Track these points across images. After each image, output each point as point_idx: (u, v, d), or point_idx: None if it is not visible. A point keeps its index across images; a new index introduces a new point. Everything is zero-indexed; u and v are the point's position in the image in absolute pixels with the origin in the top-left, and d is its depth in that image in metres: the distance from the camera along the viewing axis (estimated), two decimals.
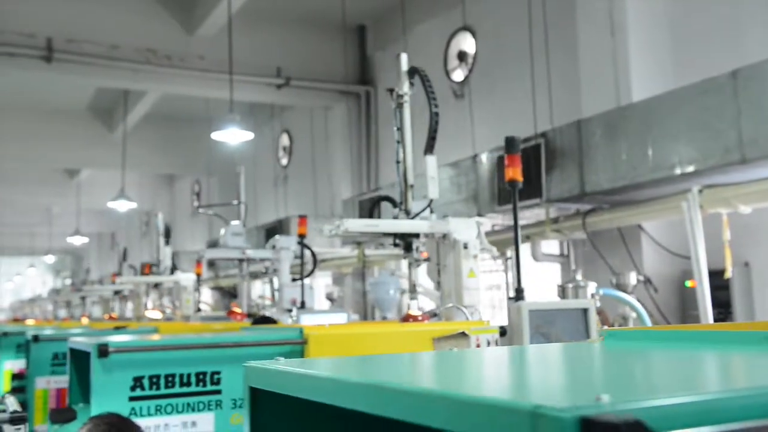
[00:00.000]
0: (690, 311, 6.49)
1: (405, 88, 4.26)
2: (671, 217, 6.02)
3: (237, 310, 6.28)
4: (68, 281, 39.91)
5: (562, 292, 4.66)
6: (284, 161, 15.82)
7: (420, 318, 3.79)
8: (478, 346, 3.67)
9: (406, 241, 4.08)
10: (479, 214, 7.40)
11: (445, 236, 4.16)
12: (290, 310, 6.45)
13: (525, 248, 7.43)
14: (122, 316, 12.03)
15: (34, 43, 10.25)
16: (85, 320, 12.97)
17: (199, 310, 8.65)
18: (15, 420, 2.16)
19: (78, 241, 21.15)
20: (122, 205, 14.64)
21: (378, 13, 12.23)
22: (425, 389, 0.84)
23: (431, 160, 4.22)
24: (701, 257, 5.34)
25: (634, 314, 5.91)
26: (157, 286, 9.00)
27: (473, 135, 9.65)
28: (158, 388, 3.01)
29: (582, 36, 7.57)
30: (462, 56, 10.51)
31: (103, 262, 32.42)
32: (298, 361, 1.36)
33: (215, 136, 9.48)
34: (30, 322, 19.43)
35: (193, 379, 3.08)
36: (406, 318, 3.80)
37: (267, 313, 6.83)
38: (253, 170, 16.96)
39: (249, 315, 6.28)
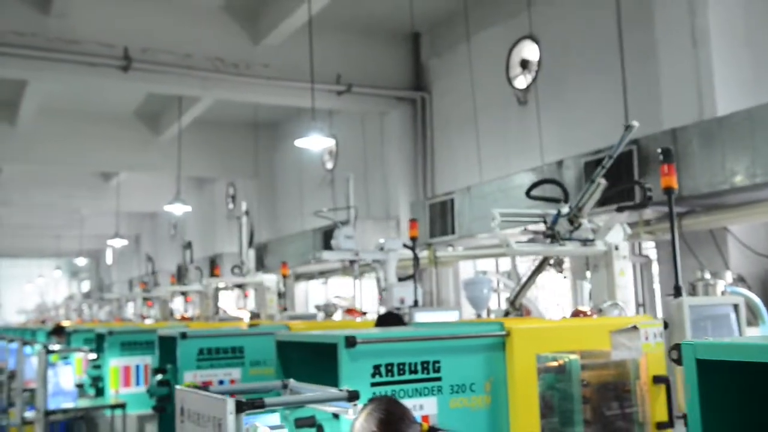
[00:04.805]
0: None
1: None
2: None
3: (353, 308, 6.65)
4: (87, 283, 40.20)
5: (693, 289, 5.02)
6: (329, 165, 16.19)
7: (589, 313, 4.15)
8: (646, 339, 4.06)
9: None
10: None
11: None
12: (398, 309, 6.82)
13: None
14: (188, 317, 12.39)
15: (112, 53, 10.64)
16: (148, 321, 13.35)
17: (285, 309, 9.03)
18: (351, 397, 2.51)
19: (118, 243, 21.50)
20: (178, 209, 15.01)
21: (433, 21, 12.61)
22: None
23: None
24: None
25: None
26: (241, 286, 9.37)
27: (541, 141, 10.01)
28: (392, 375, 3.38)
29: (662, 47, 7.92)
30: (524, 64, 10.88)
31: (125, 265, 32.71)
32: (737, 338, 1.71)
33: (298, 143, 9.82)
34: (66, 322, 19.74)
35: (419, 367, 3.45)
36: (576, 313, 4.17)
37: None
38: (300, 173, 17.34)
39: (363, 313, 6.64)
